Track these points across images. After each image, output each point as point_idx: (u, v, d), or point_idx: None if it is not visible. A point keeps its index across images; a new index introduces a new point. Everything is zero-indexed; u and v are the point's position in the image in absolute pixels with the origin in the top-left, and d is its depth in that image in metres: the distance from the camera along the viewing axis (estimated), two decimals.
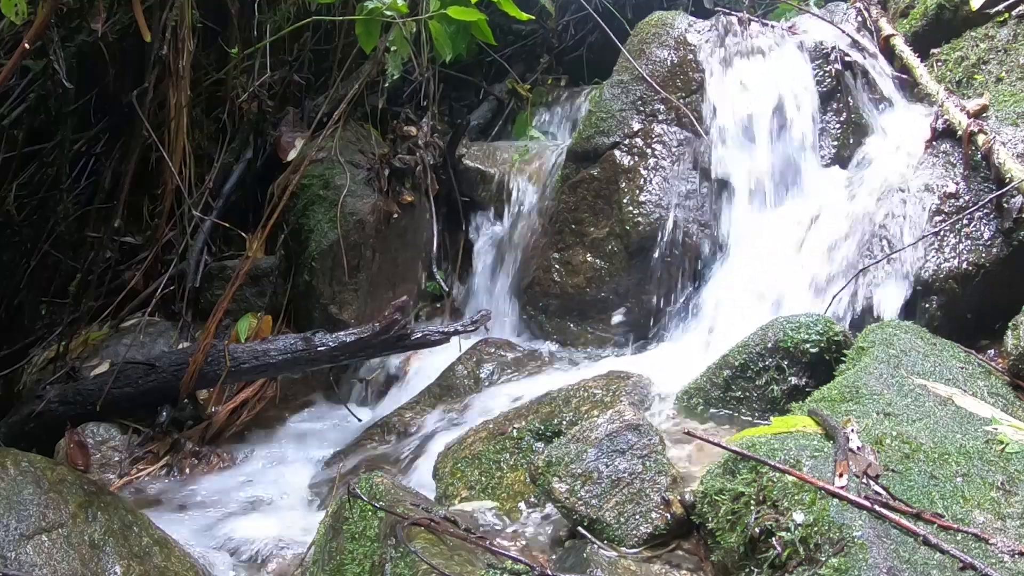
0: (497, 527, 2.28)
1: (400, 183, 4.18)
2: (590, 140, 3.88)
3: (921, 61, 3.65)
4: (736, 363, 2.64)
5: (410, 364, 3.86)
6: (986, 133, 3.04)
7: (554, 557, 2.05)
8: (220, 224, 4.20)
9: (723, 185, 3.63)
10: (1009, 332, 2.56)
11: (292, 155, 4.22)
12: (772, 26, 3.92)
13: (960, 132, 3.12)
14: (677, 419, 2.63)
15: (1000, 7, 3.52)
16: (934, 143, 3.25)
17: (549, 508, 2.26)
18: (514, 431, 2.71)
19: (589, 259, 3.74)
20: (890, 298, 2.99)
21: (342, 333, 3.38)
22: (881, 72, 3.75)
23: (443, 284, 4.21)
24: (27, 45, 2.43)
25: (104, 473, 3.16)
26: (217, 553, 2.63)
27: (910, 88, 3.69)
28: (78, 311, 3.82)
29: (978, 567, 1.50)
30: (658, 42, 3.94)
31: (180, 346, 3.77)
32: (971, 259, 2.92)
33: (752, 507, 1.77)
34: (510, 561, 1.88)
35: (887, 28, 3.85)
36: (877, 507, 1.62)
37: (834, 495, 1.64)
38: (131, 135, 3.89)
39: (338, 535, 2.12)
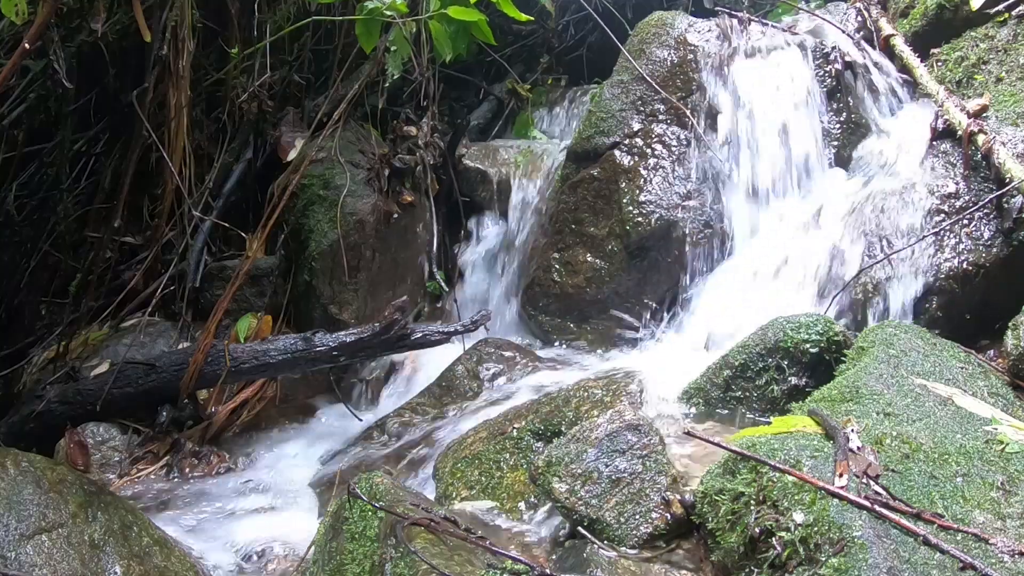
0: (497, 527, 2.28)
1: (400, 183, 4.18)
2: (590, 140, 3.88)
3: (921, 61, 3.64)
4: (736, 363, 2.64)
5: (410, 364, 3.86)
6: (986, 133, 3.04)
7: (554, 557, 2.05)
8: (220, 224, 4.20)
9: (724, 185, 3.63)
10: (1009, 332, 2.56)
11: (292, 155, 4.21)
12: (772, 26, 3.92)
13: (960, 132, 3.12)
14: (677, 419, 2.63)
15: (1000, 7, 3.51)
16: (934, 143, 3.25)
17: (549, 508, 2.26)
18: (514, 431, 2.70)
19: (589, 259, 3.74)
20: (890, 298, 2.99)
21: (342, 333, 3.38)
22: (881, 72, 3.75)
23: (443, 284, 4.20)
24: (27, 45, 2.44)
25: (104, 473, 3.16)
26: (217, 553, 2.63)
27: (911, 88, 3.69)
28: (78, 311, 3.82)
29: (978, 567, 1.50)
30: (658, 42, 3.94)
31: (180, 346, 3.77)
32: (971, 259, 2.92)
33: (752, 507, 1.77)
34: (510, 561, 1.88)
35: (887, 28, 3.85)
36: (877, 507, 1.62)
37: (834, 495, 1.64)
38: (131, 135, 3.89)
39: (338, 535, 2.11)
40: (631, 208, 3.65)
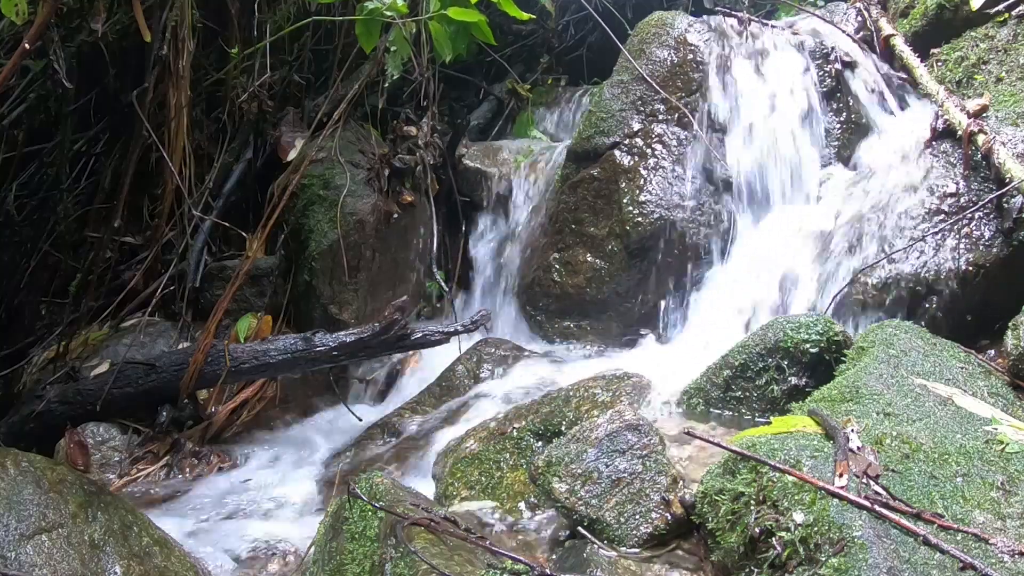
0: (497, 527, 2.28)
1: (400, 183, 4.18)
2: (590, 140, 3.88)
3: (921, 61, 3.64)
4: (736, 363, 2.64)
5: (410, 364, 3.86)
6: (986, 133, 3.03)
7: (554, 557, 2.05)
8: (220, 224, 4.20)
9: (723, 185, 3.64)
10: (1009, 332, 2.56)
11: (292, 155, 4.22)
12: (772, 26, 3.92)
13: (960, 132, 3.12)
14: (677, 419, 2.63)
15: (1000, 7, 3.51)
16: (934, 143, 3.25)
17: (549, 508, 2.26)
18: (514, 431, 2.70)
19: (589, 259, 3.74)
20: (890, 298, 2.99)
21: (342, 333, 3.38)
22: (881, 72, 3.75)
23: (443, 284, 4.20)
24: (27, 45, 2.44)
25: (104, 473, 3.16)
26: (217, 553, 2.63)
27: (910, 88, 3.69)
28: (78, 311, 3.82)
29: (978, 567, 1.50)
30: (658, 42, 3.94)
31: (180, 346, 3.77)
32: (971, 259, 2.92)
33: (752, 507, 1.77)
34: (510, 561, 1.88)
35: (887, 28, 3.85)
36: (877, 507, 1.62)
37: (834, 495, 1.64)
38: (131, 135, 3.89)
39: (338, 535, 2.12)
40: (631, 208, 3.65)
